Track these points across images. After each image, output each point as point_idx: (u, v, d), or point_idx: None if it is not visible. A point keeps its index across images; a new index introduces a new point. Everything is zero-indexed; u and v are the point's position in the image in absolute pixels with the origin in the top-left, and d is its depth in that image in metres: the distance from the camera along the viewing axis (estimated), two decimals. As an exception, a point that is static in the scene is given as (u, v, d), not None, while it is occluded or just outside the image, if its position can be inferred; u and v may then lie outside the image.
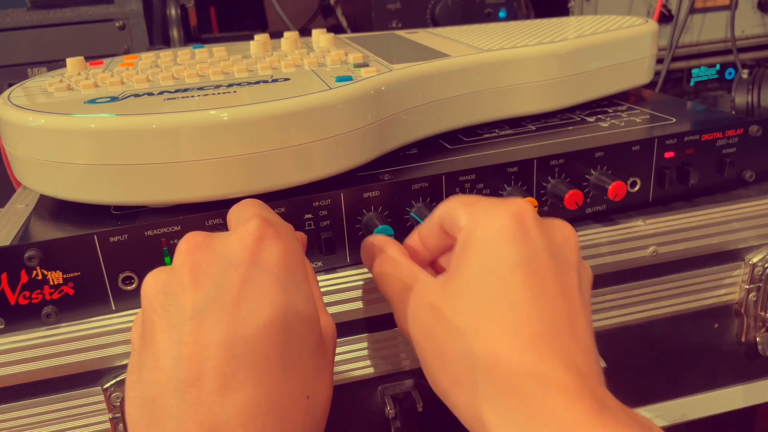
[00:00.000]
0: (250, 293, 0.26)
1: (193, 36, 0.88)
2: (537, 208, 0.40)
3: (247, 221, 0.28)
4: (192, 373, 0.25)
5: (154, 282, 0.27)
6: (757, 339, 0.48)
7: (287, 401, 0.26)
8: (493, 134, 0.47)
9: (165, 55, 0.50)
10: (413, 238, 0.34)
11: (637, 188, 0.44)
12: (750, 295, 0.46)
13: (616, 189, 0.41)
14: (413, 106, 0.43)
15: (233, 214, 0.31)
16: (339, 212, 0.38)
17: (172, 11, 0.75)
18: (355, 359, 0.40)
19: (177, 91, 0.39)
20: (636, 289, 0.44)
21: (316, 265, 0.39)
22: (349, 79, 0.39)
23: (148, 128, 0.33)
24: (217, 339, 0.25)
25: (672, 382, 0.49)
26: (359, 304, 0.39)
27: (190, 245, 0.27)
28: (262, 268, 0.27)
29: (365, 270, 0.40)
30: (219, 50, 0.50)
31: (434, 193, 0.39)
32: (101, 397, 0.37)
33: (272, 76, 0.42)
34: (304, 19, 0.97)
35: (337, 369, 0.40)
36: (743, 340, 0.48)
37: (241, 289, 0.26)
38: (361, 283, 0.39)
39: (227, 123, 0.34)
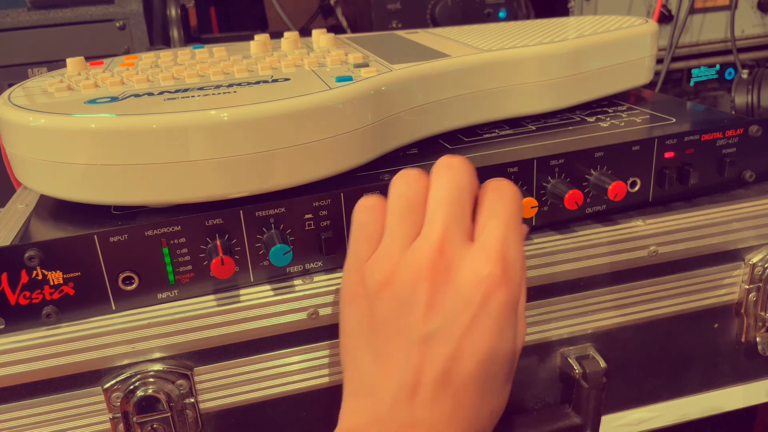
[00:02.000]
0: (474, 333, 0.30)
1: (193, 36, 0.88)
2: (537, 208, 0.40)
3: (488, 257, 0.31)
4: (413, 378, 0.30)
5: (390, 284, 0.31)
6: (757, 339, 0.48)
7: (477, 417, 0.31)
8: (493, 134, 0.47)
9: (165, 55, 0.50)
10: None
11: (637, 188, 0.44)
12: (750, 295, 0.46)
13: (616, 189, 0.41)
14: (413, 106, 0.43)
15: (492, 203, 0.33)
16: (339, 212, 0.38)
17: (172, 11, 0.75)
18: (355, 359, 0.40)
19: (177, 91, 0.39)
20: (636, 289, 0.44)
21: (316, 265, 0.39)
22: (349, 79, 0.39)
23: (149, 128, 0.33)
24: (440, 360, 0.30)
25: (672, 382, 0.49)
26: (359, 304, 0.39)
27: (434, 263, 0.31)
28: (488, 314, 0.30)
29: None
30: (219, 50, 0.50)
31: (434, 193, 0.39)
32: (101, 397, 0.37)
33: (272, 76, 0.42)
34: (304, 19, 0.97)
35: (338, 369, 0.40)
36: (743, 340, 0.48)
37: (468, 328, 0.30)
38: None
39: (227, 123, 0.34)
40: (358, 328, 0.33)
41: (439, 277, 0.31)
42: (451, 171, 0.33)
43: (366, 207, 0.34)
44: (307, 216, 0.38)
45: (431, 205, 0.32)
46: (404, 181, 0.33)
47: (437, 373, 0.30)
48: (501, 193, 0.33)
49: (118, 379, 0.37)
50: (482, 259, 0.31)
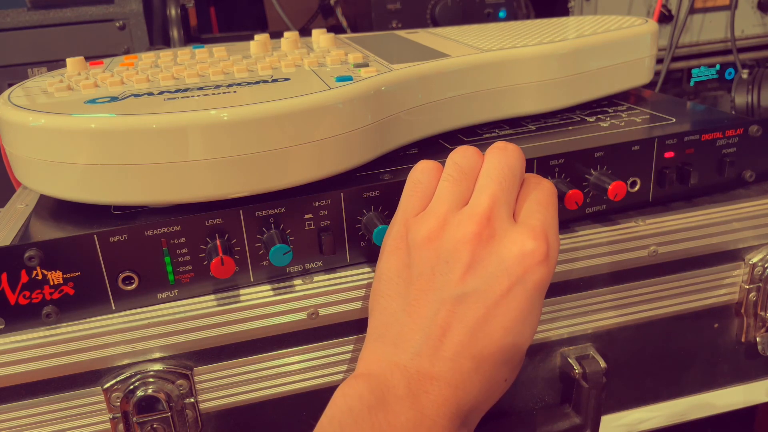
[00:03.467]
0: (508, 300, 0.32)
1: (193, 36, 0.88)
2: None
3: (535, 235, 0.32)
4: (440, 332, 0.32)
5: (434, 241, 0.33)
6: (757, 339, 0.48)
7: (492, 383, 0.33)
8: (493, 134, 0.47)
9: (165, 55, 0.50)
10: None
11: (637, 188, 0.44)
12: (750, 295, 0.46)
13: (616, 189, 0.41)
14: (413, 106, 0.43)
15: (535, 193, 0.35)
16: (339, 212, 0.38)
17: (172, 11, 0.75)
18: (355, 359, 0.40)
19: (177, 91, 0.39)
20: (636, 289, 0.44)
21: (316, 265, 0.39)
22: (349, 79, 0.39)
23: (148, 128, 0.33)
24: (468, 321, 0.32)
25: (672, 382, 0.49)
26: (359, 304, 0.39)
27: (480, 229, 0.32)
28: (524, 287, 0.32)
29: (365, 270, 0.40)
30: (219, 50, 0.50)
31: (434, 193, 0.39)
32: (101, 397, 0.37)
33: (272, 76, 0.42)
34: (304, 19, 0.97)
35: (338, 369, 0.40)
36: (743, 340, 0.48)
37: (504, 295, 0.32)
38: (361, 283, 0.39)
39: (227, 123, 0.34)
40: (395, 277, 0.34)
41: (483, 243, 0.32)
42: (504, 153, 0.35)
43: (423, 169, 0.36)
44: (307, 216, 0.38)
45: (482, 179, 0.34)
46: (462, 153, 0.35)
47: (463, 334, 0.32)
48: (542, 185, 0.35)
49: (118, 379, 0.37)
50: (528, 234, 0.32)
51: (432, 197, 0.35)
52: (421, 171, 0.36)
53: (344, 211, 0.38)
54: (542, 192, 0.35)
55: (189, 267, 0.37)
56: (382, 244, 0.36)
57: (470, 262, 0.32)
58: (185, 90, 0.39)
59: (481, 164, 0.35)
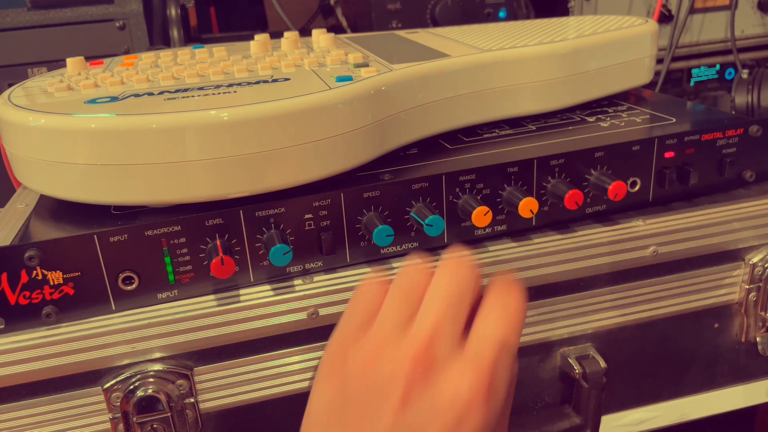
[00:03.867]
0: None
1: (193, 36, 0.88)
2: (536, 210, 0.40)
3: (477, 370, 0.29)
4: None
5: (369, 368, 0.29)
6: (757, 339, 0.48)
7: None
8: (493, 134, 0.47)
9: (165, 55, 0.50)
10: None
11: (637, 188, 0.44)
12: (750, 295, 0.46)
13: (616, 189, 0.41)
14: (413, 106, 0.43)
15: (495, 302, 0.31)
16: (339, 212, 0.38)
17: (172, 11, 0.75)
18: (355, 359, 0.40)
19: (177, 91, 0.39)
20: (636, 289, 0.44)
21: (316, 265, 0.39)
22: (349, 79, 0.39)
23: (149, 128, 0.33)
24: None
25: (672, 382, 0.49)
26: (359, 304, 0.39)
27: (417, 359, 0.29)
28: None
29: (365, 270, 0.40)
30: (219, 50, 0.50)
31: (434, 193, 0.39)
32: (101, 397, 0.37)
33: (272, 76, 0.42)
34: (304, 19, 0.97)
35: (337, 369, 0.40)
36: (743, 340, 0.48)
37: None
38: (360, 283, 0.39)
39: (227, 123, 0.34)
40: (328, 406, 0.31)
41: (419, 374, 0.29)
42: (454, 271, 0.32)
43: (367, 288, 0.33)
44: (307, 216, 0.38)
45: (428, 299, 0.31)
46: (408, 271, 0.33)
47: None
48: (509, 298, 0.31)
49: (118, 379, 0.37)
50: (468, 370, 0.29)
51: (374, 318, 0.32)
52: (366, 290, 0.33)
53: (344, 211, 0.38)
54: (505, 306, 0.31)
55: (189, 267, 0.37)
56: (319, 367, 0.33)
57: (403, 398, 0.28)
58: (185, 90, 0.39)
59: (430, 281, 0.32)
